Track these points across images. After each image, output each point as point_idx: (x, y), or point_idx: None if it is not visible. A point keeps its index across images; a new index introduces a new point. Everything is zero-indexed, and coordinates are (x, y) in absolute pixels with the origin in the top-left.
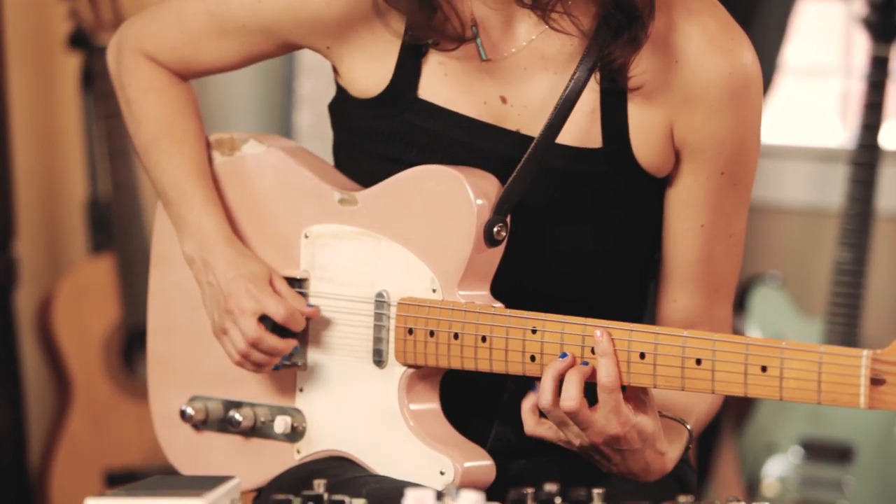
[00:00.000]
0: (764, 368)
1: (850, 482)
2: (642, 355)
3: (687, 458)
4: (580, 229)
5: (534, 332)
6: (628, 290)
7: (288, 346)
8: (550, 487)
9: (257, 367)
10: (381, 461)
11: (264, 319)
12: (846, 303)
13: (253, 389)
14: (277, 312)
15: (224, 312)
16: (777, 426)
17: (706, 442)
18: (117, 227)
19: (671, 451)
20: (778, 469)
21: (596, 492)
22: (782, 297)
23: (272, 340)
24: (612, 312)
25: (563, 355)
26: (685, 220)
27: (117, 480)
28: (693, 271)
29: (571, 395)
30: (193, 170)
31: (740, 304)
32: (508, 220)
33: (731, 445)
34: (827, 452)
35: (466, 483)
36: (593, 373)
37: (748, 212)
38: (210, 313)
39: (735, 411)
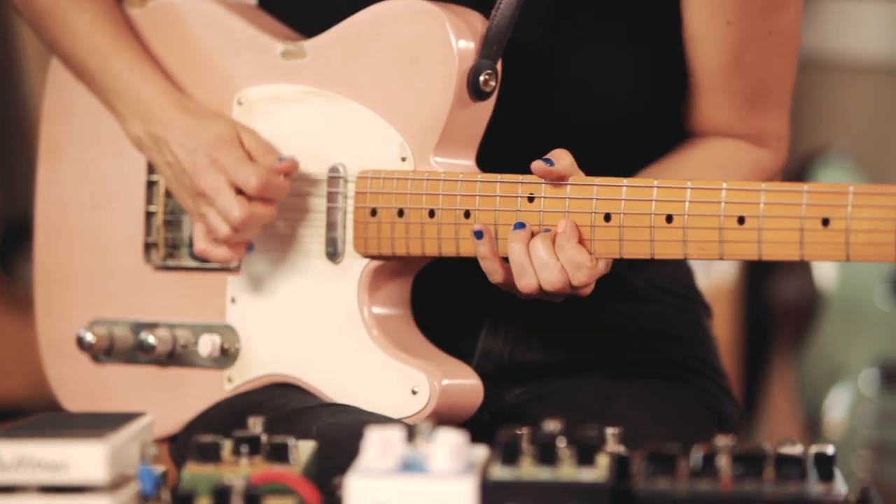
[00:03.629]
0: (826, 221)
1: None
2: (669, 218)
3: (728, 388)
4: (592, 56)
5: (531, 199)
6: (657, 134)
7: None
8: (552, 426)
9: (240, 246)
10: (337, 384)
11: None
12: None
13: (171, 305)
14: (248, 183)
15: (195, 196)
16: (845, 345)
17: (754, 367)
18: None
19: None
20: (846, 400)
21: (610, 432)
22: (853, 175)
23: (261, 210)
24: (635, 168)
25: (519, 225)
26: (706, 21)
27: None
28: (717, 81)
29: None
30: (113, 27)
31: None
32: (499, 66)
33: (785, 371)
34: None
35: (445, 406)
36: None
37: (799, 7)
38: (181, 199)
39: (791, 327)
